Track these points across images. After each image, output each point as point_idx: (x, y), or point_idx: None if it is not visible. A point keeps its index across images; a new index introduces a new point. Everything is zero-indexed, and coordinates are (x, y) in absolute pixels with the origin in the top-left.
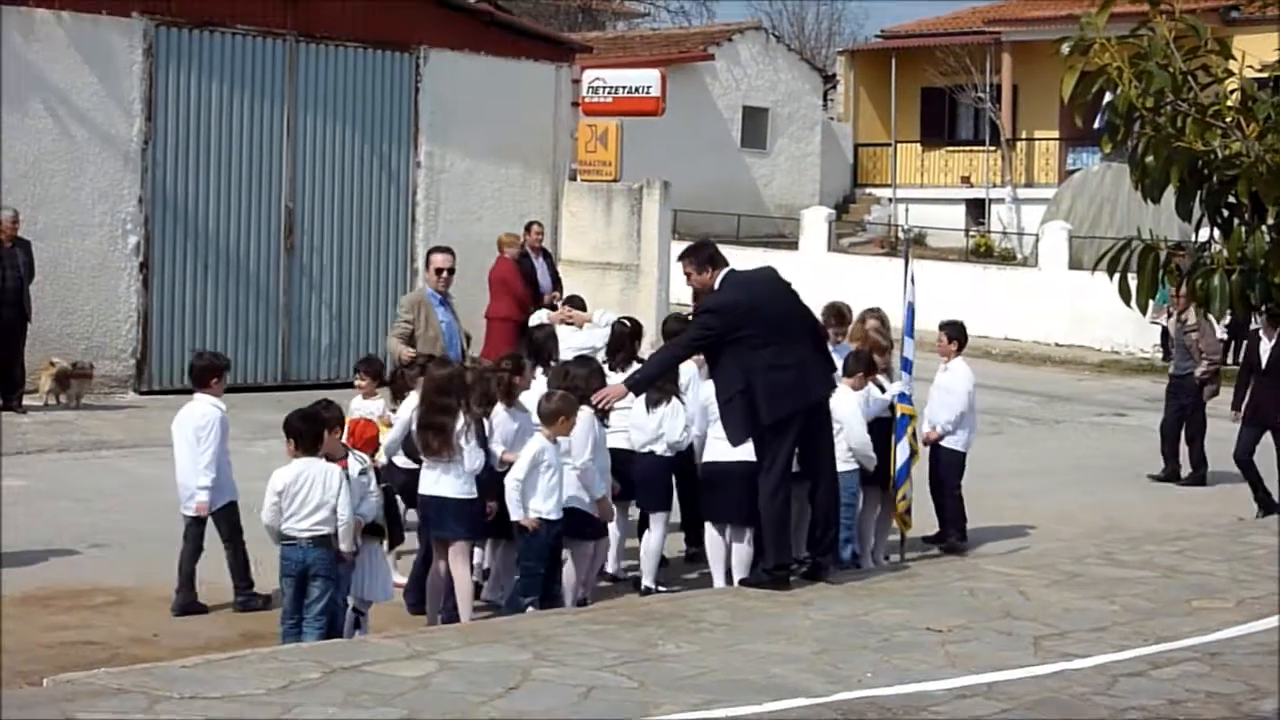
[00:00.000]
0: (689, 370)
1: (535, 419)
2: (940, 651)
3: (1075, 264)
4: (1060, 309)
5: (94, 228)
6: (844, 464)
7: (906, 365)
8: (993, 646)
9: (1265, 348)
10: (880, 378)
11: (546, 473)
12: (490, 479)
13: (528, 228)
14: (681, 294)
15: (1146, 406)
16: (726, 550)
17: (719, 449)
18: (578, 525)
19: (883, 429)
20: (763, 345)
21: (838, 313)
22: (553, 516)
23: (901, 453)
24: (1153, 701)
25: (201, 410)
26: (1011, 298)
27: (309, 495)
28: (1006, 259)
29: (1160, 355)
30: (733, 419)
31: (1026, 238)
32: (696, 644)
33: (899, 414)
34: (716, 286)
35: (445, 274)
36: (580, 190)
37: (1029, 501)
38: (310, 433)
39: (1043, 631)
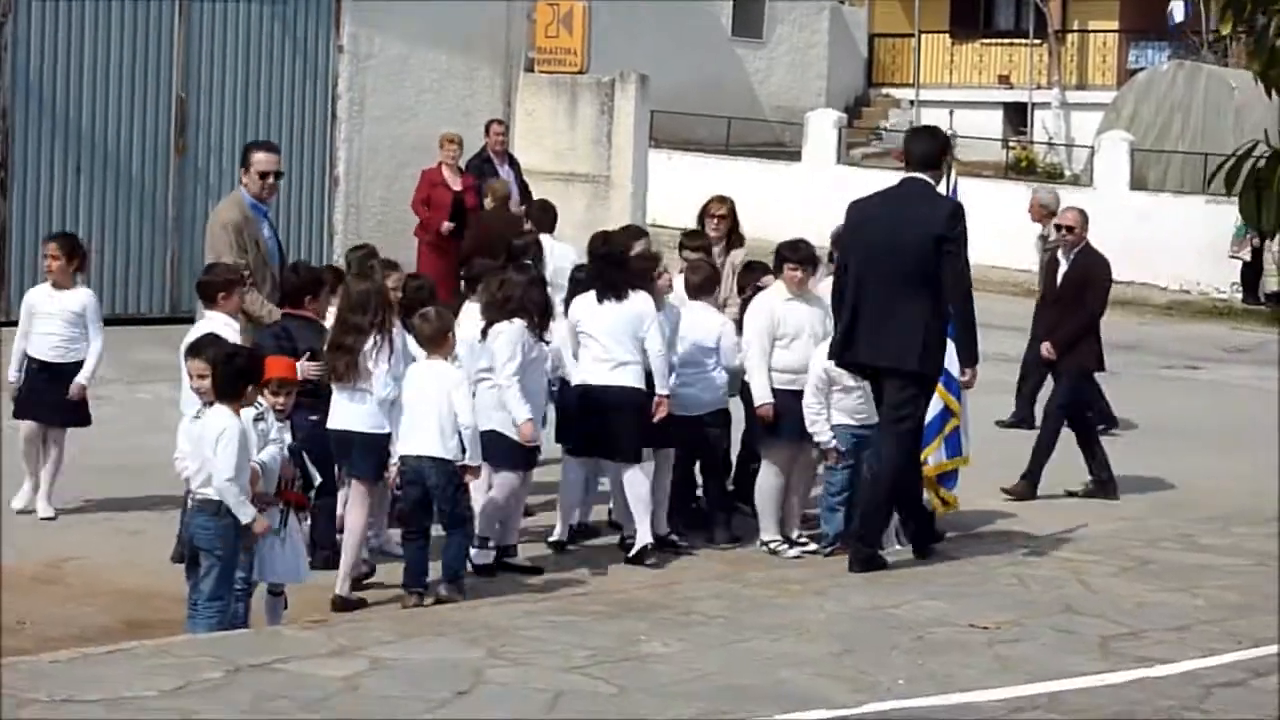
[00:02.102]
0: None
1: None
2: (988, 653)
3: (1138, 183)
4: (1119, 238)
5: None
6: (845, 418)
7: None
8: (1051, 648)
9: None
10: None
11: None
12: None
13: (487, 127)
14: (660, 211)
15: (1225, 358)
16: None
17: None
18: (501, 452)
19: None
20: None
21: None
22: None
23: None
24: (1255, 717)
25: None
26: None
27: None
28: (1053, 175)
29: (1240, 295)
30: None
31: (1077, 151)
32: (687, 641)
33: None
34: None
35: (272, 178)
36: (539, 84)
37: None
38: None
39: (1111, 630)
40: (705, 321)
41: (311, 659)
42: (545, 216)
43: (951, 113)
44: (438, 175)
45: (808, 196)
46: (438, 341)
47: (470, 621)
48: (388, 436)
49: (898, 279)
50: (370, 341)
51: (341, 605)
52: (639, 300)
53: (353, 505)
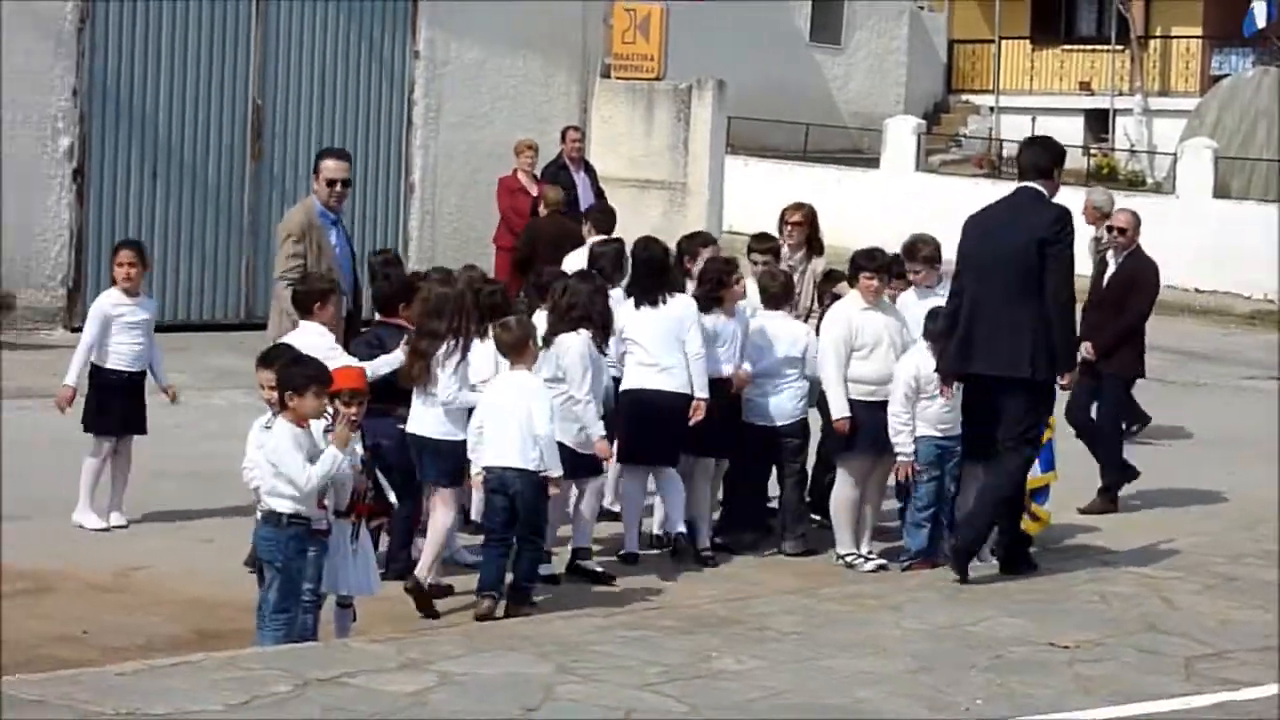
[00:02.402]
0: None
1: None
2: (1068, 673)
3: (1222, 191)
4: (1202, 246)
5: (17, 125)
6: (929, 428)
7: None
8: (1134, 668)
9: None
10: None
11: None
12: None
13: (563, 134)
14: (737, 219)
15: None
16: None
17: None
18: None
19: None
20: None
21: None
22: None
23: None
24: None
25: (309, 343)
26: (1144, 232)
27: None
28: (1134, 183)
29: None
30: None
31: (1159, 158)
32: (762, 658)
33: None
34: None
35: (339, 187)
36: (614, 90)
37: (1164, 482)
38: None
39: (1196, 650)
40: (787, 330)
41: (380, 673)
42: (604, 220)
43: (1034, 119)
44: (515, 182)
45: (886, 203)
46: (519, 350)
47: (541, 636)
48: (462, 443)
49: (1006, 287)
50: (444, 347)
51: (418, 591)
52: (678, 304)
53: (437, 506)
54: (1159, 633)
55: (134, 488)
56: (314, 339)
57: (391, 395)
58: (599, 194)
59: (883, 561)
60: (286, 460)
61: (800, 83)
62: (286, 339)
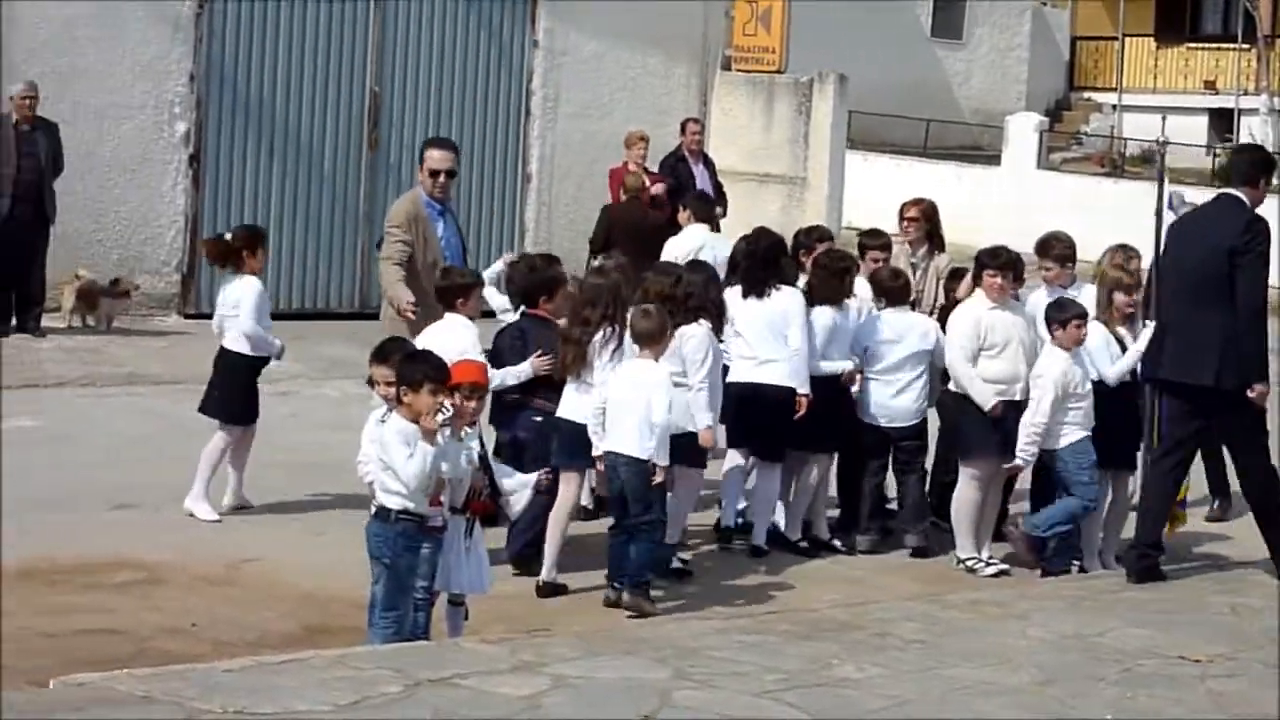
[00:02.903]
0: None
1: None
2: (1200, 689)
3: None
4: None
5: (134, 110)
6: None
7: None
8: (1268, 685)
9: None
10: (1121, 330)
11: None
12: None
13: (683, 126)
14: (856, 214)
15: None
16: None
17: None
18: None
19: (1122, 389)
20: None
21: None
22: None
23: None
24: None
25: (453, 336)
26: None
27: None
28: None
29: None
30: None
31: None
32: (883, 666)
33: None
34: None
35: (443, 177)
36: (735, 83)
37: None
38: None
39: None
40: (914, 325)
41: (493, 675)
42: (701, 208)
43: (1164, 118)
44: (626, 174)
45: (1006, 200)
46: (654, 339)
47: (658, 639)
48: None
49: (1196, 293)
50: (599, 335)
51: (548, 591)
52: (784, 297)
53: (561, 487)
54: None
55: (246, 478)
56: (460, 331)
57: (528, 385)
58: (718, 187)
59: (1004, 566)
60: (394, 456)
61: (921, 78)
62: (430, 332)
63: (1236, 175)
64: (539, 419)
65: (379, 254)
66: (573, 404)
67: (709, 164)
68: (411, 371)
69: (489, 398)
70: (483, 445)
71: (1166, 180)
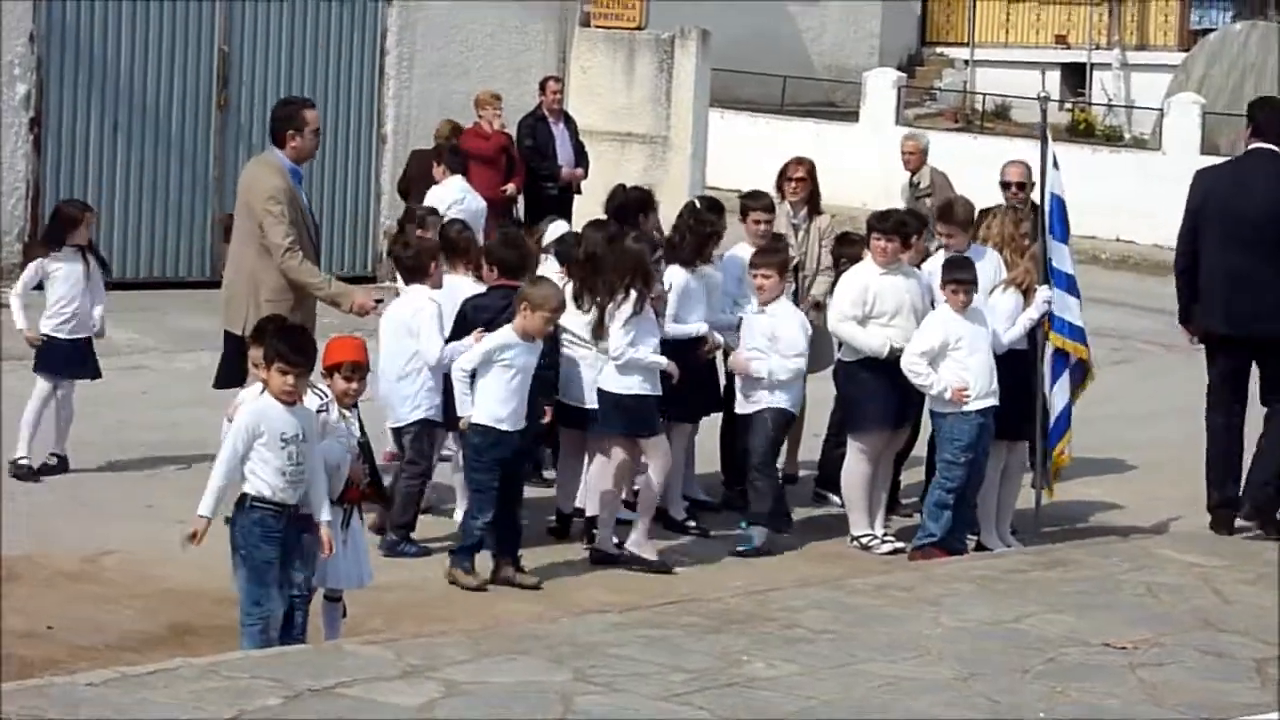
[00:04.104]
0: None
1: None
2: (1131, 679)
3: (1210, 148)
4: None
5: None
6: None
7: (1060, 279)
8: (1199, 673)
9: None
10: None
11: (505, 373)
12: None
13: (542, 85)
14: (722, 174)
15: None
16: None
17: None
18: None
19: (1015, 361)
20: None
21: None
22: (506, 427)
23: (1059, 397)
24: None
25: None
26: (1126, 189)
27: None
28: (1111, 138)
29: None
30: None
31: (1137, 113)
32: (795, 661)
33: (1052, 346)
34: None
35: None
36: (594, 39)
37: (1182, 456)
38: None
39: (1265, 652)
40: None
41: (380, 681)
42: (455, 161)
43: (1014, 72)
44: (480, 135)
45: (867, 158)
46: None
47: (552, 636)
48: (639, 397)
49: (1261, 248)
50: (612, 302)
51: (599, 559)
52: None
53: (650, 459)
54: (1219, 630)
55: (100, 461)
56: (423, 303)
57: None
58: (579, 147)
59: (900, 544)
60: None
61: (774, 34)
62: (394, 304)
63: (1270, 130)
64: None
65: (278, 244)
66: (611, 376)
67: (570, 123)
68: (267, 349)
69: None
70: (363, 430)
71: (1050, 137)
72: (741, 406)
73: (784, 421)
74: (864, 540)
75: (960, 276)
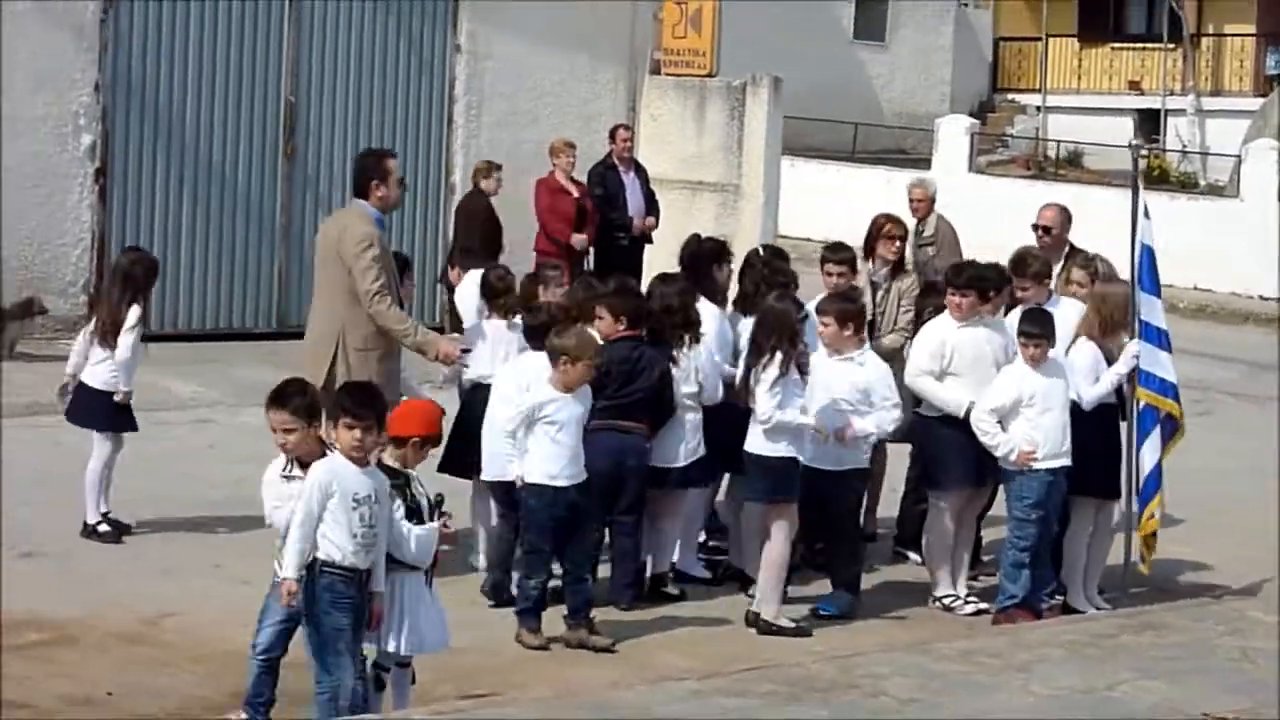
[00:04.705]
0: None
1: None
2: None
3: None
4: (1268, 252)
5: (35, 123)
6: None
7: (1150, 334)
8: None
9: None
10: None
11: (550, 429)
12: None
13: (612, 133)
14: (792, 222)
15: None
16: None
17: None
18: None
19: (1103, 416)
20: None
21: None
22: (561, 483)
23: (1149, 455)
24: None
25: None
26: (1203, 236)
27: None
28: (1186, 185)
29: None
30: None
31: (1213, 160)
32: None
33: (1141, 402)
34: None
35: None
36: (664, 87)
37: (1269, 512)
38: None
39: None
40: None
41: None
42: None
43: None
44: (555, 183)
45: (940, 205)
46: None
47: (626, 704)
48: (785, 459)
49: None
50: (759, 363)
51: (767, 629)
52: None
53: (774, 528)
54: None
55: (160, 518)
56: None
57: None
58: (649, 197)
59: (983, 605)
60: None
61: (843, 81)
62: (510, 371)
63: None
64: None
65: (369, 289)
66: (750, 434)
67: (641, 172)
68: (333, 405)
69: None
70: (424, 489)
71: (1141, 187)
72: (817, 461)
73: (867, 478)
74: (947, 601)
75: (1030, 330)
